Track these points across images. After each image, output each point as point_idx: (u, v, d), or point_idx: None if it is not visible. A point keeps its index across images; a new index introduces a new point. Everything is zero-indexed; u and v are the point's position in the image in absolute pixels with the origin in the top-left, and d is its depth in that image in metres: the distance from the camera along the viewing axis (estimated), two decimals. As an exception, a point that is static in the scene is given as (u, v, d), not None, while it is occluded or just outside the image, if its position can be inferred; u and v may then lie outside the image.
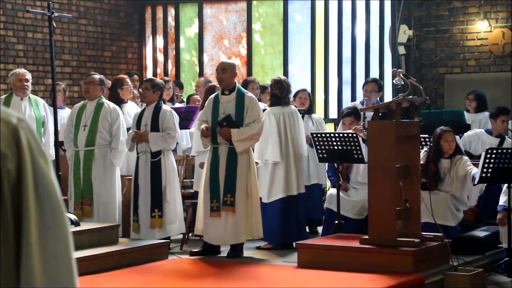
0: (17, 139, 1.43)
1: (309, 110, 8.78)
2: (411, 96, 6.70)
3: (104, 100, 7.69)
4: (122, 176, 7.95)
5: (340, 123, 8.60)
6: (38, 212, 1.42)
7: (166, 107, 7.68)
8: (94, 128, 7.54)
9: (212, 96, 7.42)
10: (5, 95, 8.21)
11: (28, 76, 7.81)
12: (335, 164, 7.54)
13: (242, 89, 7.35)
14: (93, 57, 11.56)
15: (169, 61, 12.26)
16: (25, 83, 7.73)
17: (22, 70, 7.87)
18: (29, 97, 7.81)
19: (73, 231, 6.59)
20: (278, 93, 7.71)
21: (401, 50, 10.66)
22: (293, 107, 7.93)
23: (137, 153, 7.57)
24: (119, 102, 8.42)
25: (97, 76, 7.75)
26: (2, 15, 10.30)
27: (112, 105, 7.70)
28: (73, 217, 6.83)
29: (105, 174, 7.51)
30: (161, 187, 7.43)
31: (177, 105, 9.12)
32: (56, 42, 10.21)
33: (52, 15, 6.84)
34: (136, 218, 7.46)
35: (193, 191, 8.38)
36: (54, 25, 6.79)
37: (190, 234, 8.13)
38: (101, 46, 11.68)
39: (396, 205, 6.39)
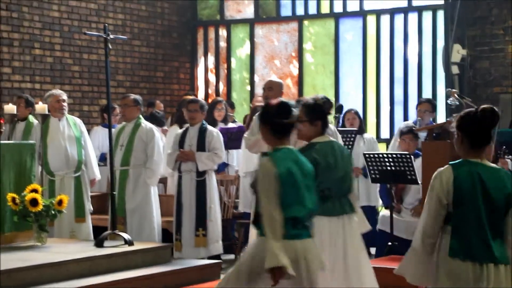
0: None
1: (360, 130, 8.72)
2: (466, 117, 6.62)
3: (142, 120, 7.78)
4: (170, 196, 8.02)
5: (394, 141, 8.53)
6: None
7: (211, 128, 7.74)
8: (129, 148, 7.64)
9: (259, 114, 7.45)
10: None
11: (65, 96, 7.91)
12: (388, 185, 7.47)
13: None
14: (146, 78, 11.71)
15: (221, 81, 12.35)
16: (63, 103, 7.83)
17: (58, 91, 7.96)
18: (66, 117, 7.89)
19: (126, 250, 6.66)
20: None
21: (455, 69, 10.54)
22: (331, 126, 7.80)
23: (180, 173, 7.61)
24: (183, 122, 8.48)
25: (132, 98, 7.82)
26: (59, 37, 10.53)
27: (149, 125, 7.78)
28: (127, 236, 6.89)
29: (139, 194, 7.57)
30: (206, 206, 7.47)
31: (229, 125, 9.18)
32: (110, 63, 10.39)
33: (108, 37, 6.95)
34: (179, 237, 7.49)
35: (242, 211, 8.39)
36: (110, 46, 6.90)
37: (242, 254, 8.12)
38: (154, 66, 11.84)
39: (451, 227, 6.29)
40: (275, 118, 3.92)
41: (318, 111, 4.67)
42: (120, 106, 8.01)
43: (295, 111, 3.95)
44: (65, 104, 7.83)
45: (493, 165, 3.77)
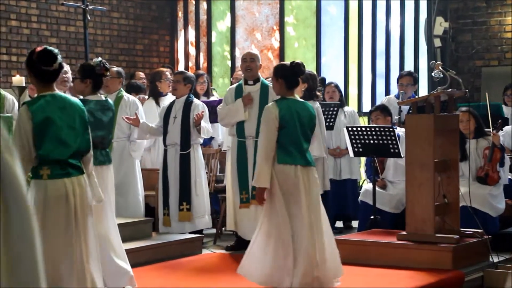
0: None
1: (341, 103, 8.63)
2: (450, 89, 6.56)
3: (124, 93, 7.64)
4: (151, 170, 7.91)
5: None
6: (3, 211, 1.33)
7: (197, 101, 7.62)
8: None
9: (234, 86, 7.36)
10: None
11: (67, 68, 7.75)
12: (373, 159, 7.41)
13: (266, 81, 7.30)
14: (125, 50, 11.54)
15: (201, 55, 12.20)
16: (64, 75, 7.66)
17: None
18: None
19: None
20: None
21: (437, 42, 10.48)
22: (315, 103, 7.68)
23: (165, 146, 7.50)
24: (157, 95, 8.35)
25: (115, 69, 7.66)
26: (35, 9, 10.31)
27: (131, 97, 7.65)
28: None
29: (123, 167, 7.45)
30: (190, 180, 7.37)
31: (210, 98, 9.06)
32: (89, 35, 10.20)
33: (87, 8, 6.80)
34: (167, 211, 7.40)
35: (225, 185, 8.30)
36: (89, 18, 6.74)
37: (223, 229, 8.07)
38: (133, 39, 11.66)
39: (434, 201, 6.26)
40: None
41: (88, 70, 5.46)
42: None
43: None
44: (66, 75, 7.65)
45: (302, 100, 5.49)
